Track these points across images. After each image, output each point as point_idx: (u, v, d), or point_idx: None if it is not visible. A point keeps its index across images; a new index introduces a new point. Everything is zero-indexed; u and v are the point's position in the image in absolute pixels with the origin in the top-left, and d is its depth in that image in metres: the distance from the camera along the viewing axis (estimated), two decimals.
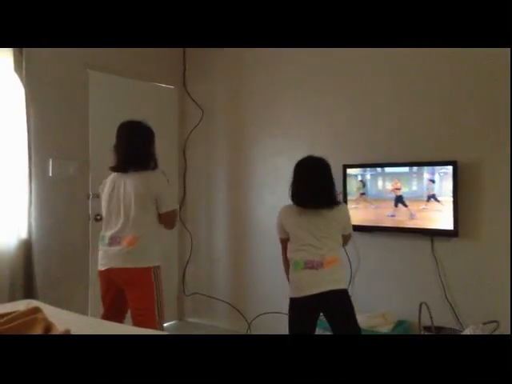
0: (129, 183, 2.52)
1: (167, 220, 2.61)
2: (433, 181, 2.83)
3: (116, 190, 2.56)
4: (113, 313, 2.59)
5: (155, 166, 2.60)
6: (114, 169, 2.59)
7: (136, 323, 2.46)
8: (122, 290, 2.57)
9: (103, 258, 2.58)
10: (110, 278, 2.56)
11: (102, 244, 2.60)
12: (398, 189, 2.95)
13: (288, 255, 2.49)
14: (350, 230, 2.63)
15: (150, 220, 2.55)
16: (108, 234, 2.56)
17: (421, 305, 2.80)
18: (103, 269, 2.57)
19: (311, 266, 2.35)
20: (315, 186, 2.41)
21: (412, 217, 2.90)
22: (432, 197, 2.83)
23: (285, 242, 2.54)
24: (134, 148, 2.55)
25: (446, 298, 2.83)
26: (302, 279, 2.38)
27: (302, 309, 2.40)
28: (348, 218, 2.55)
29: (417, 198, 2.88)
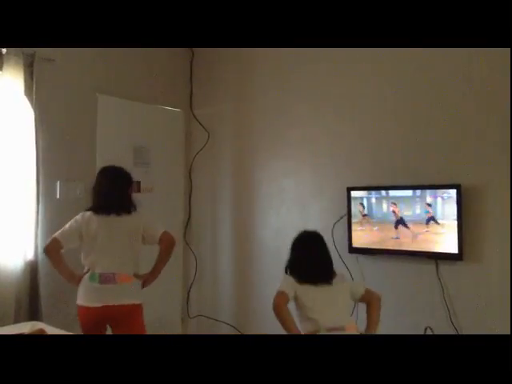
0: (116, 225, 2.64)
1: (169, 238, 2.73)
2: (429, 204, 2.85)
3: (102, 231, 2.62)
4: None
5: (135, 209, 2.74)
6: (95, 210, 2.67)
7: None
8: (104, 330, 2.64)
9: (94, 296, 2.57)
10: (99, 316, 2.56)
11: (92, 281, 2.59)
12: (396, 212, 2.97)
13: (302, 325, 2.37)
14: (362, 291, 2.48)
15: (139, 258, 2.72)
16: (99, 271, 2.59)
17: (426, 329, 2.78)
18: (96, 306, 2.54)
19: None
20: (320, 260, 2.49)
21: (415, 239, 2.90)
22: (431, 219, 2.83)
23: (286, 299, 2.35)
24: (118, 192, 2.70)
25: (452, 322, 2.81)
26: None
27: None
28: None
29: (420, 222, 2.88)
